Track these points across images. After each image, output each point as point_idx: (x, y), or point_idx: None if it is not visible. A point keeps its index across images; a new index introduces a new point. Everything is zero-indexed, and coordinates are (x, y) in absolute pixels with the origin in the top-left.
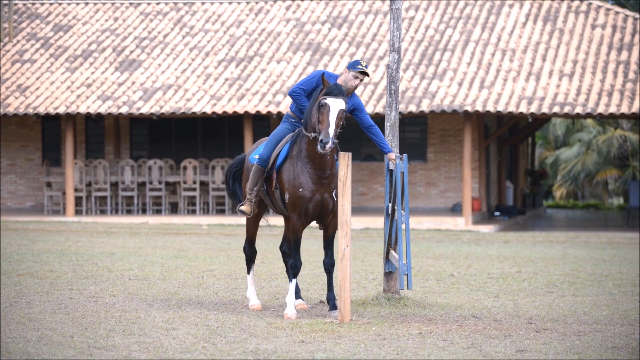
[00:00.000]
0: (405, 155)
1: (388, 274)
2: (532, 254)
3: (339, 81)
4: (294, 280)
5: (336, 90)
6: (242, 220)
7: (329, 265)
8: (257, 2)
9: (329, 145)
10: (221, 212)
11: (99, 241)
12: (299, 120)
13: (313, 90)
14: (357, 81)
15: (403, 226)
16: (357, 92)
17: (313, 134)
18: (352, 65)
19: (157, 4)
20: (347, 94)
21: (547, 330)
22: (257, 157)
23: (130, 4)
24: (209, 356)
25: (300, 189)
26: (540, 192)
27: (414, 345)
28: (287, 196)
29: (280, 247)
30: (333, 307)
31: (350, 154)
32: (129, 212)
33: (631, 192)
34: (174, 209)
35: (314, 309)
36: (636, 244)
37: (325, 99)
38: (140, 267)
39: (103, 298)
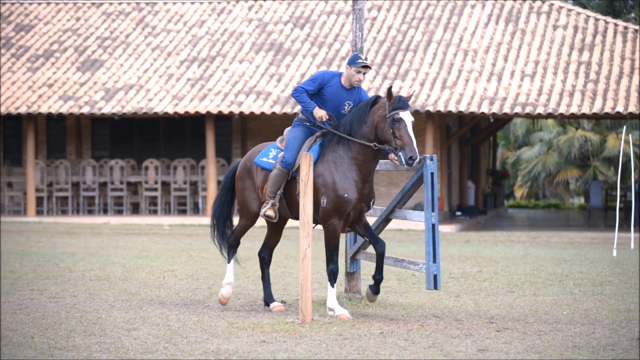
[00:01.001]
0: (434, 156)
1: (350, 274)
2: (494, 254)
3: (343, 79)
4: (335, 286)
5: (405, 104)
6: (204, 220)
7: (381, 247)
8: (219, 2)
9: (417, 162)
10: (183, 212)
11: (60, 241)
12: (314, 125)
13: (316, 92)
14: (361, 75)
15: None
16: None
17: (376, 144)
18: (352, 61)
19: (119, 4)
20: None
21: (508, 329)
22: (265, 159)
23: (92, 4)
24: (170, 356)
25: (346, 194)
26: (502, 192)
27: (376, 344)
28: (324, 200)
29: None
30: (375, 290)
31: (312, 154)
32: (90, 212)
33: (592, 192)
34: (135, 209)
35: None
36: (597, 243)
37: (398, 113)
38: (102, 268)
39: (64, 298)
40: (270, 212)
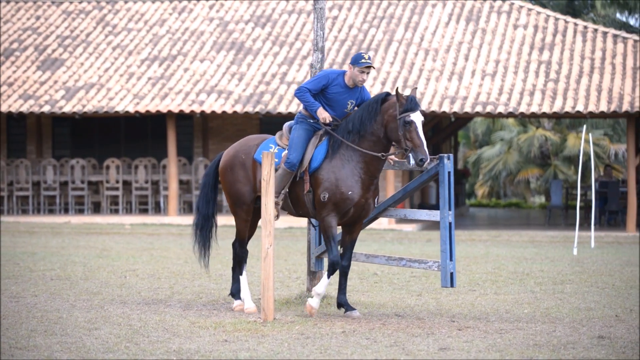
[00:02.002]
0: (451, 155)
1: (312, 273)
2: (455, 253)
3: (346, 78)
4: (330, 278)
5: (416, 105)
6: (165, 219)
7: (347, 267)
8: (180, 1)
9: (427, 163)
10: (144, 211)
11: (20, 241)
12: (317, 122)
13: (320, 91)
14: (365, 75)
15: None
16: (281, 88)
17: (384, 154)
18: (356, 61)
19: (80, 2)
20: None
21: (470, 328)
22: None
23: (52, 2)
24: (131, 356)
25: (350, 192)
26: (463, 191)
27: (338, 343)
28: (324, 195)
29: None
30: (349, 308)
31: (273, 153)
32: (51, 211)
33: (552, 191)
34: (96, 209)
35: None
36: (557, 242)
37: (409, 115)
38: (63, 267)
39: (25, 298)
40: (275, 213)
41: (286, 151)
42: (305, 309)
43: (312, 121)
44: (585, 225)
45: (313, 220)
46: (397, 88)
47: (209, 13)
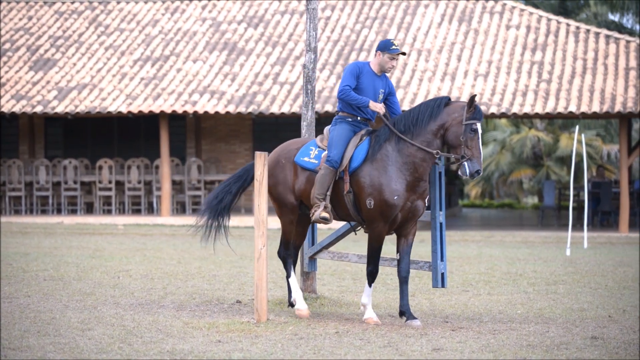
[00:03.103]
0: (442, 156)
1: (306, 274)
2: (448, 253)
3: (373, 65)
4: (372, 286)
5: (481, 117)
6: (158, 220)
7: (407, 275)
8: (172, 2)
9: (479, 175)
10: (137, 211)
11: (13, 241)
12: (356, 119)
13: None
14: (394, 62)
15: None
16: (274, 87)
17: (438, 152)
18: (386, 47)
19: (72, 2)
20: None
21: (463, 328)
22: (307, 159)
23: (45, 2)
24: (125, 357)
25: (395, 197)
26: (456, 191)
27: (331, 344)
28: (370, 202)
29: (279, 253)
30: (410, 316)
31: (266, 153)
32: (43, 212)
33: (545, 192)
34: (89, 209)
35: (230, 308)
36: (550, 242)
37: (475, 124)
38: (55, 268)
39: (17, 299)
40: (325, 214)
41: (325, 152)
42: (367, 322)
43: (351, 120)
44: (578, 225)
45: (353, 224)
46: (475, 95)
47: (202, 13)
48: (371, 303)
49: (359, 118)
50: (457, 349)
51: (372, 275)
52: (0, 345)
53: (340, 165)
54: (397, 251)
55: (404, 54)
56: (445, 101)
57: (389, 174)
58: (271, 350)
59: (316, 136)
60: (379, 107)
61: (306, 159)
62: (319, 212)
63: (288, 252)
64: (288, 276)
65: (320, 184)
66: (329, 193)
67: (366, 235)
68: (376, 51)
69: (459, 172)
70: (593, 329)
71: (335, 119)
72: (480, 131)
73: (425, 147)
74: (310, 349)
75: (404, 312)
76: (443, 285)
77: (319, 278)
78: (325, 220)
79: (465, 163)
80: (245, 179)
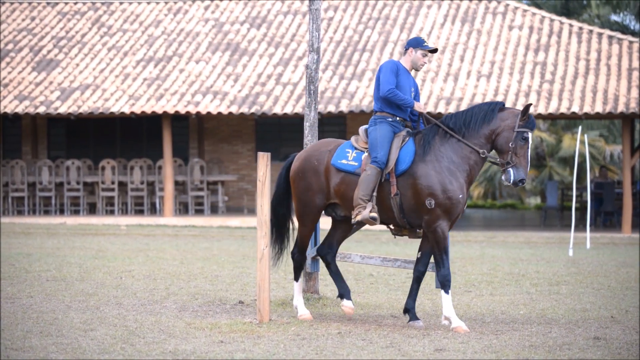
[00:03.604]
0: None
1: (308, 274)
2: (450, 254)
3: (405, 63)
4: (450, 293)
5: (534, 127)
6: (161, 220)
7: (423, 274)
8: (175, 2)
9: (522, 185)
10: (140, 212)
11: (16, 242)
12: (396, 119)
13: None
14: (426, 59)
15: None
16: (272, 88)
17: (484, 152)
18: (418, 44)
19: (75, 3)
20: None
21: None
22: (345, 161)
23: (48, 3)
24: (127, 357)
25: (460, 195)
26: None
27: (333, 344)
28: (430, 202)
29: (320, 252)
30: (414, 317)
31: (269, 154)
32: (46, 212)
33: (548, 192)
34: (92, 210)
35: (232, 309)
36: (553, 243)
37: (527, 132)
38: (58, 268)
39: (20, 299)
40: (375, 214)
41: (366, 153)
42: (457, 332)
43: (391, 120)
44: (580, 226)
45: (392, 227)
46: (530, 104)
47: (204, 14)
48: (454, 310)
49: (397, 118)
50: (460, 350)
51: (447, 281)
52: (2, 345)
53: (386, 167)
54: (420, 250)
55: (436, 50)
56: (500, 106)
57: (449, 173)
58: (273, 351)
59: (319, 138)
60: (422, 107)
61: (344, 161)
62: (366, 212)
63: (304, 257)
64: (296, 280)
65: (366, 185)
66: (374, 194)
67: (364, 235)
68: (407, 48)
69: (503, 178)
70: (595, 330)
71: (374, 118)
72: (530, 141)
73: (478, 149)
74: (312, 350)
75: (409, 310)
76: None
77: (321, 279)
78: (374, 220)
79: (511, 170)
80: (285, 187)
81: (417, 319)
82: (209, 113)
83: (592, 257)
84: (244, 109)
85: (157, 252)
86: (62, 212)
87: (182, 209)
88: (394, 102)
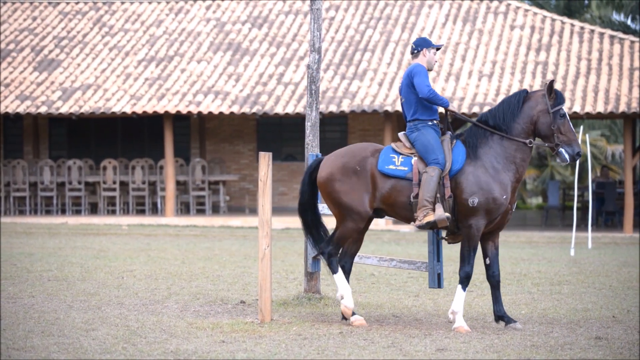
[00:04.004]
0: None
1: (310, 274)
2: (452, 253)
3: (425, 64)
4: (466, 290)
5: (564, 99)
6: (162, 220)
7: (499, 277)
8: (177, 2)
9: (580, 157)
10: (141, 212)
11: (17, 242)
12: (434, 122)
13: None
14: (436, 57)
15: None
16: (271, 88)
17: (531, 141)
18: (428, 43)
19: (76, 3)
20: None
21: None
22: (393, 167)
23: (49, 3)
24: (129, 357)
25: (504, 197)
26: None
27: (335, 344)
28: (474, 200)
29: (323, 251)
30: (510, 320)
31: (270, 154)
32: (48, 212)
33: (549, 192)
34: (93, 209)
35: (234, 309)
36: (554, 243)
37: (562, 108)
38: (60, 268)
39: (22, 299)
40: (448, 214)
41: (415, 158)
42: (459, 332)
43: (431, 124)
44: (582, 226)
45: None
46: (552, 80)
47: (206, 14)
48: (462, 309)
49: (435, 121)
50: (461, 349)
51: (468, 278)
52: (1, 345)
53: (444, 169)
54: (486, 256)
55: (441, 47)
56: (524, 95)
57: (495, 172)
58: (275, 351)
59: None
60: (455, 107)
61: (392, 166)
62: (440, 212)
63: (336, 252)
64: (335, 273)
65: (430, 187)
66: (439, 195)
67: (369, 235)
68: (419, 50)
69: (558, 160)
70: (597, 330)
71: (417, 124)
72: (567, 114)
73: (523, 140)
74: (314, 349)
75: (502, 316)
76: (439, 286)
77: (323, 278)
78: (448, 220)
79: (562, 149)
80: (312, 192)
81: (514, 321)
82: (210, 113)
83: (594, 257)
84: (246, 109)
85: (158, 252)
86: (63, 212)
87: (184, 208)
88: (434, 102)
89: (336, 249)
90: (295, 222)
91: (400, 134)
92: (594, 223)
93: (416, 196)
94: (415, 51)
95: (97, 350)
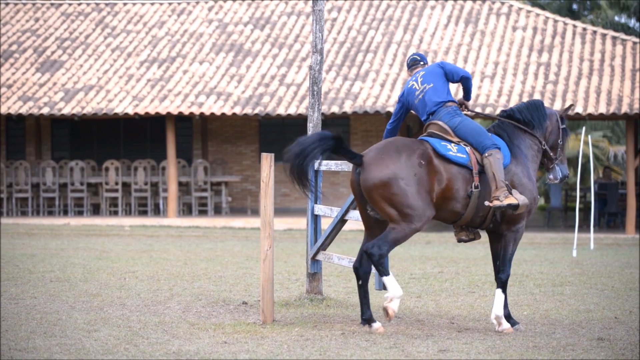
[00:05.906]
0: None
1: (311, 275)
2: (454, 255)
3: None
4: (505, 293)
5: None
6: (164, 221)
7: (506, 279)
8: (179, 3)
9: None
10: (144, 213)
11: (19, 243)
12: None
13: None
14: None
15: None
16: (270, 89)
17: (545, 145)
18: (424, 59)
19: (79, 4)
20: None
21: (469, 330)
22: (452, 154)
23: (52, 4)
24: (131, 358)
25: (538, 196)
26: None
27: (337, 345)
28: (524, 201)
29: (357, 266)
30: (514, 322)
31: (272, 155)
32: (50, 213)
33: (551, 193)
34: (95, 210)
35: (236, 310)
36: (557, 244)
37: (567, 130)
38: (62, 269)
39: (24, 300)
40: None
41: (469, 147)
42: (505, 333)
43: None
44: (584, 227)
45: (463, 237)
46: (573, 105)
47: (208, 15)
48: (502, 312)
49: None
50: (463, 350)
51: (506, 282)
52: (3, 346)
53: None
54: (495, 258)
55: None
56: (541, 103)
57: (528, 172)
58: (277, 352)
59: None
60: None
61: (451, 153)
62: (524, 197)
63: (387, 254)
64: (387, 275)
65: (501, 169)
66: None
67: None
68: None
69: (550, 175)
70: (599, 331)
71: (455, 108)
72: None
73: (545, 143)
74: (316, 350)
75: (506, 316)
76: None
77: (325, 279)
78: (524, 205)
79: (557, 166)
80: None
81: (516, 322)
82: (212, 114)
83: (596, 258)
84: (248, 110)
85: (160, 253)
86: (65, 213)
87: (186, 209)
88: (470, 85)
89: (389, 251)
90: (297, 223)
91: (440, 123)
92: (596, 224)
93: (477, 187)
94: (422, 62)
95: (99, 351)
